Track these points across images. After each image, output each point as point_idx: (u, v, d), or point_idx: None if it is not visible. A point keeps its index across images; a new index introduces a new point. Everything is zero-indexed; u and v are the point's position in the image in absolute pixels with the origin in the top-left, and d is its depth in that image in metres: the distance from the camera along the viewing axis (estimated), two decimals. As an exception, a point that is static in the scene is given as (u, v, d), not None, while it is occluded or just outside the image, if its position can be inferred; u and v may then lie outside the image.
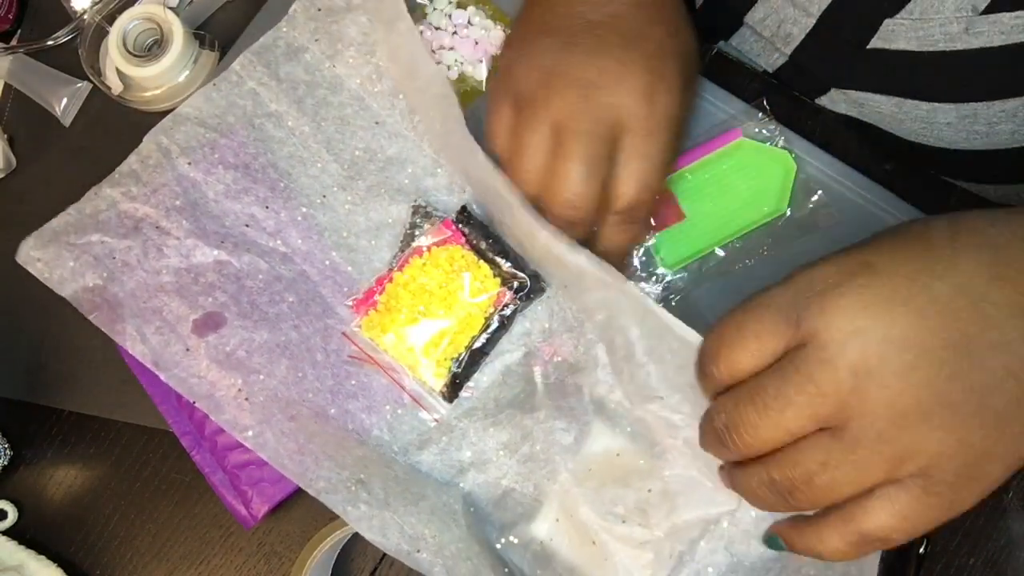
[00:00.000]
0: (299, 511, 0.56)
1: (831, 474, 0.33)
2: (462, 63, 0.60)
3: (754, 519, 0.49)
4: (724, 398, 0.36)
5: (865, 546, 0.34)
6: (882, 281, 0.32)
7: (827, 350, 0.32)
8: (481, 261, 0.54)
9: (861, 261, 0.33)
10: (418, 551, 0.48)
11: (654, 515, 0.50)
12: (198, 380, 0.53)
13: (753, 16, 0.55)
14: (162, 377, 0.53)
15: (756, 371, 0.35)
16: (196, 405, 0.53)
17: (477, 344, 0.54)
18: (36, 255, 0.54)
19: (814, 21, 0.52)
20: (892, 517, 0.33)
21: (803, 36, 0.54)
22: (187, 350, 0.53)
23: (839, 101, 0.56)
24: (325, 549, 0.52)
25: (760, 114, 0.55)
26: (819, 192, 0.54)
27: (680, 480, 0.51)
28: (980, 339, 0.32)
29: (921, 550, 0.51)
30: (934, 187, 0.56)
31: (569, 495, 0.51)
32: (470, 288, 0.54)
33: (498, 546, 0.52)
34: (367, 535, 0.48)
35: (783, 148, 0.54)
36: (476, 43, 0.60)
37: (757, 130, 0.54)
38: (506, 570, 0.50)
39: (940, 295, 0.32)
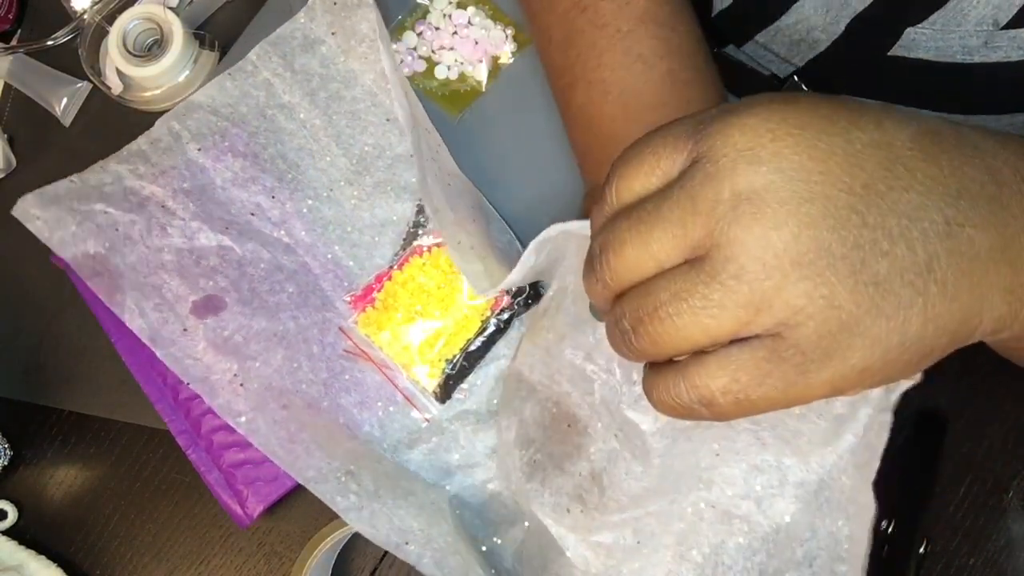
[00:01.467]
0: (299, 511, 0.56)
1: (678, 306, 0.28)
2: (462, 63, 0.60)
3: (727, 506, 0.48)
4: (608, 217, 0.31)
5: (689, 401, 0.30)
6: (799, 111, 0.28)
7: (715, 165, 0.28)
8: None
9: (787, 96, 0.29)
10: (406, 543, 0.48)
11: (589, 499, 0.49)
12: (194, 362, 0.53)
13: (785, 20, 0.55)
14: (158, 354, 0.53)
15: (648, 195, 0.30)
16: (190, 387, 0.53)
17: (472, 347, 0.54)
18: (36, 212, 0.54)
19: (842, 28, 0.52)
20: (724, 373, 0.29)
21: (829, 43, 0.54)
22: (185, 330, 0.53)
23: None
24: (325, 549, 0.52)
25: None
26: None
27: (602, 455, 0.49)
28: (884, 196, 0.28)
29: (921, 550, 0.51)
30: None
31: (524, 494, 0.51)
32: (468, 291, 0.54)
33: (484, 548, 0.52)
34: (355, 525, 0.48)
35: None
36: (476, 43, 0.60)
37: None
38: (492, 571, 0.50)
39: (855, 141, 0.28)
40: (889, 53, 0.51)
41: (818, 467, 0.45)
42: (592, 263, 0.31)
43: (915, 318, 0.28)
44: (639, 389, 0.43)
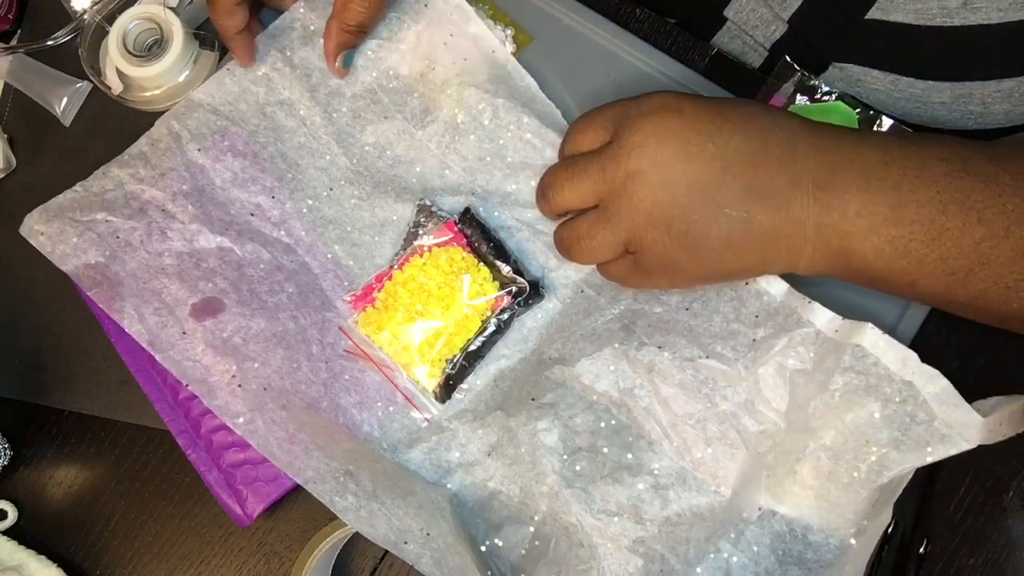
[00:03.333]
0: (299, 511, 0.56)
1: (592, 234, 0.48)
2: (462, 63, 0.59)
3: (751, 548, 0.50)
4: (555, 166, 0.51)
5: (606, 276, 0.52)
6: (679, 125, 0.45)
7: (620, 152, 0.46)
8: (481, 264, 0.54)
9: (678, 106, 0.46)
10: (405, 542, 0.48)
11: (647, 510, 0.50)
12: (192, 364, 0.53)
13: None
14: (157, 358, 0.53)
15: (584, 152, 0.49)
16: (189, 388, 0.53)
17: (472, 346, 0.54)
18: (40, 228, 0.55)
19: None
20: (616, 270, 0.50)
21: (800, 2, 0.54)
22: (184, 333, 0.53)
23: (836, 79, 0.56)
24: (325, 549, 0.52)
25: (797, 74, 0.56)
26: (882, 117, 0.54)
27: (669, 473, 0.51)
28: (714, 195, 0.45)
29: (921, 550, 0.51)
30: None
31: (559, 497, 0.51)
32: (469, 290, 0.54)
33: (483, 548, 0.52)
34: (354, 525, 0.49)
35: (834, 99, 0.55)
36: (476, 43, 0.59)
37: (794, 90, 0.55)
38: (489, 573, 0.50)
39: (705, 153, 0.45)
40: (867, 16, 0.51)
41: (840, 540, 0.49)
42: (543, 190, 0.51)
43: (716, 265, 0.47)
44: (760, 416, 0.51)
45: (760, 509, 0.50)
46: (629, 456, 0.51)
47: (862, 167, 0.44)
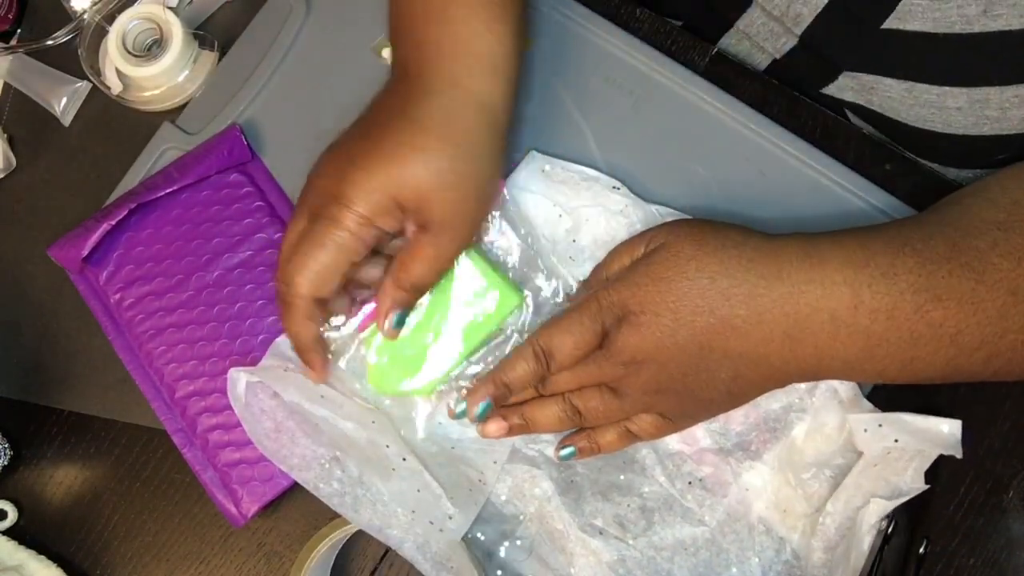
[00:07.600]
0: (298, 511, 0.56)
1: (607, 410, 0.49)
2: (462, 63, 0.59)
3: None
4: (563, 374, 0.50)
5: (628, 438, 0.51)
6: (662, 325, 0.46)
7: (620, 359, 0.48)
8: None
9: (660, 304, 0.46)
10: (389, 527, 0.49)
11: (632, 529, 0.51)
12: None
13: None
14: None
15: (576, 350, 0.48)
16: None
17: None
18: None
19: (825, 0, 0.52)
20: (641, 429, 0.50)
21: (812, 17, 0.53)
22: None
23: (847, 88, 0.56)
24: (324, 549, 0.52)
25: None
26: None
27: (658, 497, 0.52)
28: (707, 369, 0.47)
29: (921, 550, 0.51)
30: (933, 187, 0.56)
31: (551, 502, 0.51)
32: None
33: (468, 536, 0.52)
34: (339, 511, 0.49)
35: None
36: (476, 43, 0.59)
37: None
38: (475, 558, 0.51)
39: (686, 343, 0.47)
40: (883, 26, 0.50)
41: None
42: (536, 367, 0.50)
43: (712, 413, 0.51)
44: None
45: (757, 554, 0.51)
46: (622, 478, 0.53)
47: (831, 315, 0.45)
